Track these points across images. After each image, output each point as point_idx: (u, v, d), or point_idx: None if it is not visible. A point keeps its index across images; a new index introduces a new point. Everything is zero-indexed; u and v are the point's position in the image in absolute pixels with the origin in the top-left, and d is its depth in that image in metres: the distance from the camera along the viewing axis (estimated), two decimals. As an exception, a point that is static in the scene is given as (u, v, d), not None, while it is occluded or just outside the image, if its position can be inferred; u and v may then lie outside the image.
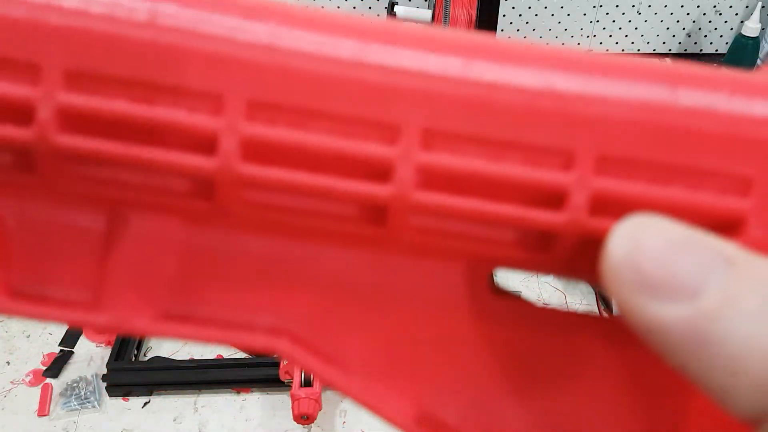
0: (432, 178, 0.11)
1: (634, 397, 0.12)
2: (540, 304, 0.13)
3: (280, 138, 0.10)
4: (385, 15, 0.98)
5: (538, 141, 0.11)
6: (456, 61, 0.11)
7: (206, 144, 0.10)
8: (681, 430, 0.12)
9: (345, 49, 0.11)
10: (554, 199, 0.11)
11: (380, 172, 0.11)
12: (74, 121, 0.10)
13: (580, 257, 0.11)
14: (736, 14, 1.14)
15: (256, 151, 0.11)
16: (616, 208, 0.11)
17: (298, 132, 0.10)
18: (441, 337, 0.12)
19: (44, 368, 0.68)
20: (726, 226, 0.11)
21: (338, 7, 1.12)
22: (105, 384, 0.66)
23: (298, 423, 0.62)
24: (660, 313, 0.09)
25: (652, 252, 0.10)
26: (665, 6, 1.13)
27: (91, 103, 0.10)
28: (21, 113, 0.10)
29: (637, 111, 0.11)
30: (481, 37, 0.11)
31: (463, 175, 0.11)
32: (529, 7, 1.13)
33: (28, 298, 0.12)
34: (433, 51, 0.11)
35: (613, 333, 0.12)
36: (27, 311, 0.12)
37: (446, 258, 0.12)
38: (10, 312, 0.12)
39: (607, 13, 1.14)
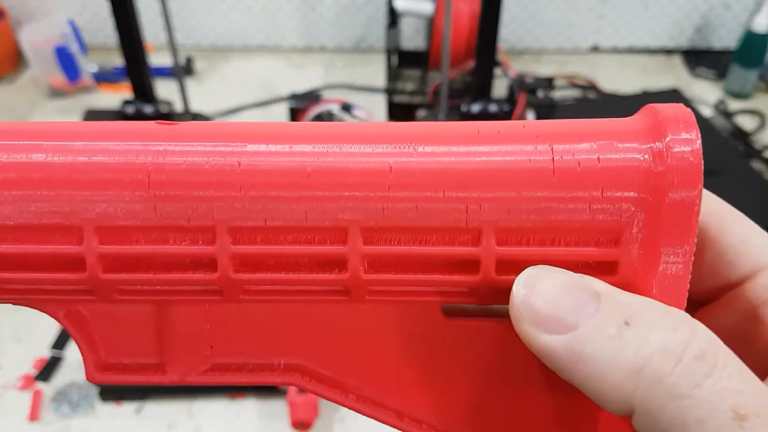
0: (376, 262, 0.15)
1: (555, 395, 0.16)
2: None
3: (258, 252, 0.15)
4: (385, 9, 0.96)
5: (451, 225, 0.14)
6: (381, 173, 0.14)
7: (209, 263, 0.15)
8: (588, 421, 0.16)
9: (297, 176, 0.14)
10: (469, 265, 0.15)
11: (338, 263, 0.15)
12: (111, 262, 0.15)
13: (496, 299, 0.15)
14: (746, 9, 1.12)
15: (243, 263, 0.15)
16: (518, 266, 0.14)
17: (271, 246, 0.15)
18: (410, 356, 0.16)
19: (35, 372, 0.66)
20: (603, 268, 0.15)
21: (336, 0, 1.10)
22: (97, 389, 0.64)
23: (296, 429, 0.60)
24: (548, 341, 0.13)
25: (543, 294, 0.13)
26: (673, 0, 1.11)
27: (120, 250, 0.15)
28: (76, 263, 0.15)
29: (523, 192, 0.14)
30: (399, 147, 0.15)
31: (398, 256, 0.15)
32: (533, 2, 1.11)
33: (113, 370, 0.17)
34: (362, 168, 0.14)
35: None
36: (115, 379, 0.17)
37: (404, 304, 0.16)
38: (104, 382, 0.17)
39: (614, 8, 1.12)
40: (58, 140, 0.15)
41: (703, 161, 0.14)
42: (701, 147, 0.14)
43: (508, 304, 0.14)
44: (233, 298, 0.15)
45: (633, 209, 0.14)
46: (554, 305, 0.13)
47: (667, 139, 0.14)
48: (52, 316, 0.16)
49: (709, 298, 0.16)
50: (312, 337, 0.16)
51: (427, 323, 0.16)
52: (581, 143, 0.14)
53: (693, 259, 0.14)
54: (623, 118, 0.15)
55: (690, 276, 0.14)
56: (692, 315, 0.16)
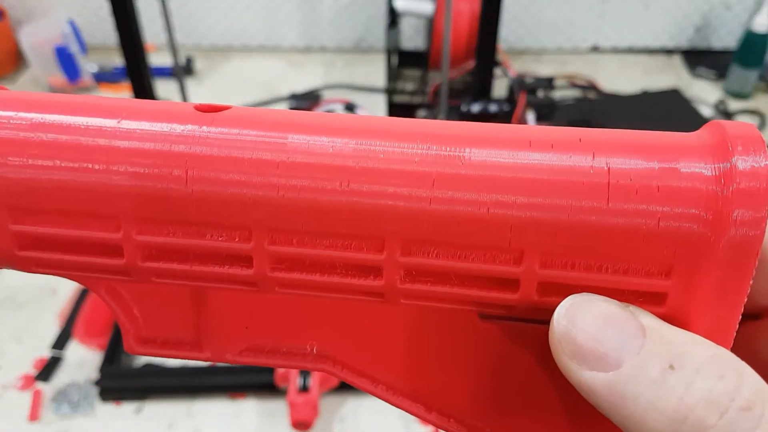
0: (413, 272, 0.14)
1: (570, 402, 0.16)
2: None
3: (294, 253, 0.15)
4: (385, 9, 0.96)
5: (493, 243, 0.14)
6: (424, 184, 0.14)
7: (245, 259, 0.15)
8: None
9: (338, 182, 0.14)
10: (509, 284, 0.14)
11: (374, 270, 0.15)
12: (149, 251, 0.15)
13: (535, 316, 0.15)
14: (746, 9, 1.12)
15: (279, 261, 0.15)
16: (560, 289, 0.14)
17: (307, 249, 0.14)
18: (441, 353, 0.16)
19: (35, 372, 0.66)
20: (651, 299, 0.14)
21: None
22: (97, 389, 0.64)
23: (297, 429, 0.60)
24: (589, 377, 0.13)
25: (585, 327, 0.13)
26: (673, 0, 1.11)
27: (157, 241, 0.15)
28: (114, 250, 0.15)
29: (574, 215, 0.13)
30: (445, 155, 0.14)
31: (437, 269, 0.14)
32: (533, 2, 1.11)
33: (152, 343, 0.17)
34: (405, 178, 0.14)
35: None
36: (153, 352, 0.17)
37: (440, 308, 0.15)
38: (143, 354, 0.17)
39: (614, 8, 1.12)
40: (96, 117, 0.15)
41: None
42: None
43: (546, 320, 0.14)
44: (268, 290, 0.15)
45: (689, 242, 0.13)
46: (596, 340, 0.13)
47: (734, 160, 0.13)
48: (94, 291, 0.16)
49: (764, 313, 0.16)
50: (345, 328, 0.16)
51: (460, 323, 0.16)
52: (640, 162, 0.13)
53: (747, 298, 0.13)
54: (687, 133, 0.14)
55: (741, 314, 0.13)
56: (743, 328, 0.15)
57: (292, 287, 0.15)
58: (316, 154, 0.14)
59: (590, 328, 0.13)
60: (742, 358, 0.13)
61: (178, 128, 0.15)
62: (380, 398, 0.16)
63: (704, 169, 0.13)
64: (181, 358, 0.17)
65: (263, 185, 0.14)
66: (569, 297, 0.13)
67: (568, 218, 0.13)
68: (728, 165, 0.13)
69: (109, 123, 0.15)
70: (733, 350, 0.13)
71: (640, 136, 0.14)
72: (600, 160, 0.13)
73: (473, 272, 0.14)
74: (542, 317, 0.14)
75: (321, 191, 0.14)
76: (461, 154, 0.14)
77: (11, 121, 0.15)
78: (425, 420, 0.17)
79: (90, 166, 0.15)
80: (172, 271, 0.15)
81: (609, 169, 0.13)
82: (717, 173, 0.13)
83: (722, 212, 0.13)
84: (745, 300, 0.13)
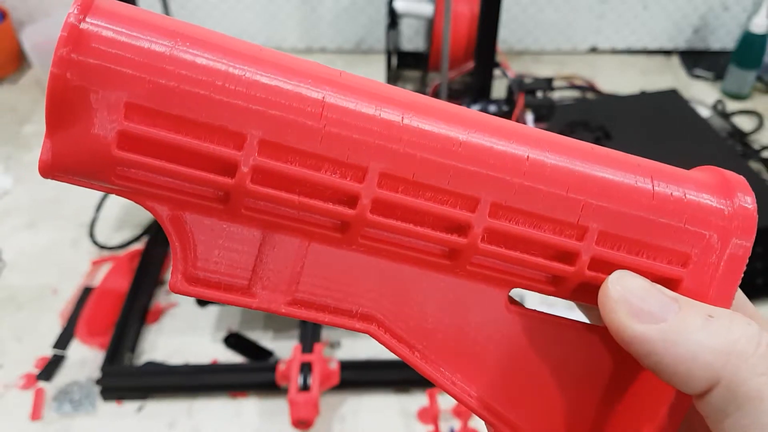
0: (493, 235, 0.17)
1: (598, 389, 0.19)
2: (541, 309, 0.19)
3: (395, 200, 0.16)
4: (385, 10, 0.96)
5: (565, 218, 0.17)
6: (518, 160, 0.17)
7: (348, 200, 0.16)
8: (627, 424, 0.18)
9: (448, 144, 0.16)
10: (568, 256, 0.18)
11: (460, 227, 0.17)
12: (261, 175, 0.16)
13: (577, 291, 0.18)
14: (744, 10, 1.12)
15: (382, 206, 0.17)
16: (606, 266, 0.18)
17: (409, 197, 0.17)
18: (469, 332, 0.18)
19: (37, 372, 0.66)
20: (669, 282, 0.18)
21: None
22: (99, 388, 0.65)
23: (297, 428, 0.61)
24: (643, 329, 0.16)
25: (635, 292, 0.17)
26: (671, 1, 1.11)
27: (275, 166, 0.16)
28: (229, 166, 0.16)
29: (629, 206, 0.17)
30: (536, 133, 0.18)
31: (513, 235, 0.17)
32: (533, 3, 1.12)
33: (201, 283, 0.17)
34: (505, 152, 0.17)
35: (590, 337, 0.19)
36: (200, 293, 0.17)
37: (486, 282, 0.18)
38: (186, 293, 0.17)
39: (613, 9, 1.12)
40: (240, 57, 0.16)
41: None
42: (756, 210, 0.18)
43: (583, 302, 0.18)
44: (352, 240, 0.17)
45: (703, 243, 0.18)
46: (645, 301, 0.16)
47: (737, 197, 0.18)
48: (156, 216, 0.16)
49: None
50: (393, 295, 0.18)
51: (490, 308, 0.18)
52: (672, 181, 0.18)
53: (737, 289, 0.18)
54: (688, 170, 0.19)
55: (732, 303, 0.17)
56: None
57: (377, 238, 0.17)
58: (435, 120, 0.17)
59: (639, 293, 0.16)
60: None
61: (317, 74, 0.16)
62: (412, 365, 0.18)
63: (713, 199, 0.18)
64: (226, 302, 0.17)
65: (387, 134, 0.16)
66: (615, 271, 0.17)
67: (624, 208, 0.17)
68: (732, 202, 0.18)
69: (251, 51, 0.16)
70: None
71: (665, 166, 0.18)
72: (645, 173, 0.18)
73: (544, 241, 0.17)
74: (582, 298, 0.18)
75: (436, 149, 0.16)
76: (545, 151, 0.17)
77: (164, 38, 0.15)
78: (448, 391, 0.18)
79: (233, 87, 0.15)
80: (274, 198, 0.16)
81: (651, 178, 0.18)
82: (725, 206, 0.18)
83: (726, 236, 0.17)
84: (736, 290, 0.18)
